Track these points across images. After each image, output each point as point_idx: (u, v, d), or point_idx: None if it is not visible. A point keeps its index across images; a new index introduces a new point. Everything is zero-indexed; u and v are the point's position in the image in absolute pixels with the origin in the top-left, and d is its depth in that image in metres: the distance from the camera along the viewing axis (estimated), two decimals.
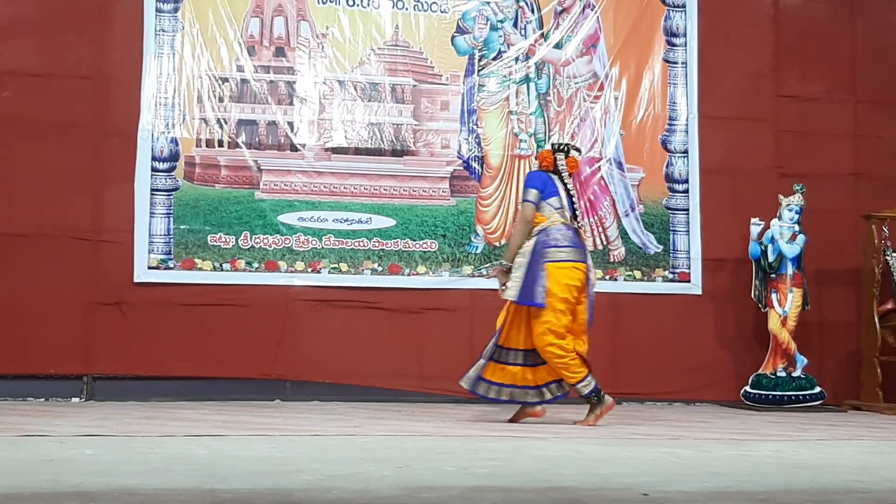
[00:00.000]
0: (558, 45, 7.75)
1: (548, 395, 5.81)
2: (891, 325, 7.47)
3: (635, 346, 7.59)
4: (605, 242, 7.65)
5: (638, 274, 7.68)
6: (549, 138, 7.60)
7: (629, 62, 7.85)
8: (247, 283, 7.15)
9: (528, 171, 7.43)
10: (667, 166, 7.80)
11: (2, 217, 6.87)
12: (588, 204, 7.63)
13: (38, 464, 3.64)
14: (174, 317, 7.03)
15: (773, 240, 7.35)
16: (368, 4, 7.51)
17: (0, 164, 6.92)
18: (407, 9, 7.56)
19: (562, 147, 5.91)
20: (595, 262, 7.46)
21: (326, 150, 7.37)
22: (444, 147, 7.52)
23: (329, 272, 7.25)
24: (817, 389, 7.33)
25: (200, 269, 7.11)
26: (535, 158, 6.06)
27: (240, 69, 7.31)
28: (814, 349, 7.68)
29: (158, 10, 7.19)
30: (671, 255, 7.75)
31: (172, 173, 7.12)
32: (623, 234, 7.69)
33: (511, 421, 5.84)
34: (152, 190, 7.07)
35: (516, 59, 7.68)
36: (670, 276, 7.74)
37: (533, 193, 5.73)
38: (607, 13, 7.86)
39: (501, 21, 7.68)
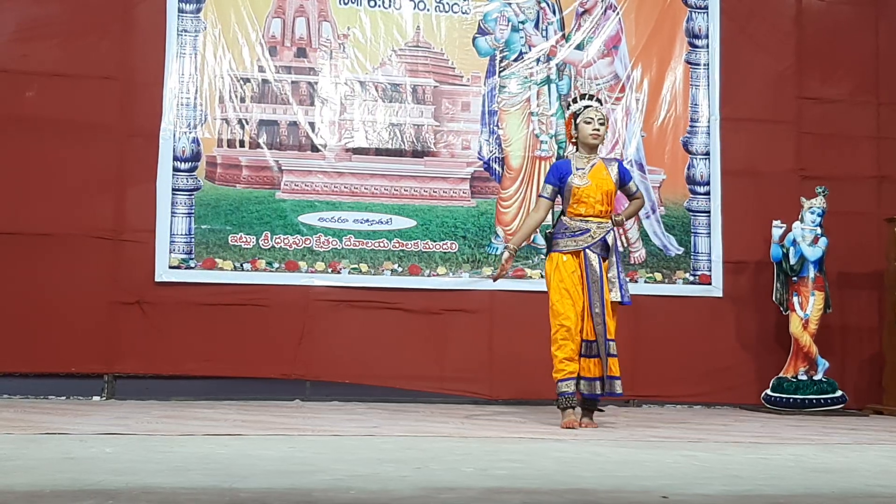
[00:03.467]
0: (580, 47, 7.74)
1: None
2: None
3: (655, 348, 7.56)
4: (625, 244, 7.62)
5: (658, 276, 7.66)
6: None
7: (651, 64, 7.83)
8: (267, 283, 7.16)
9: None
10: (688, 168, 7.77)
11: (25, 216, 6.91)
12: None
13: (59, 462, 3.66)
14: (195, 316, 7.06)
15: (794, 242, 7.31)
16: (390, 5, 7.52)
17: (23, 163, 6.96)
18: (428, 10, 7.56)
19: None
20: None
21: (347, 150, 7.38)
22: (465, 148, 7.52)
23: (349, 273, 7.26)
24: (839, 393, 7.29)
25: (221, 268, 7.13)
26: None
27: (261, 70, 7.33)
28: (835, 353, 7.64)
29: (181, 11, 7.22)
30: (692, 257, 7.73)
31: (194, 173, 7.14)
32: (644, 235, 7.67)
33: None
34: (174, 190, 7.10)
35: (537, 61, 7.67)
36: (691, 278, 7.71)
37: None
38: (629, 15, 7.83)
39: (523, 22, 7.67)
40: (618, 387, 5.59)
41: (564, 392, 5.56)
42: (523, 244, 6.13)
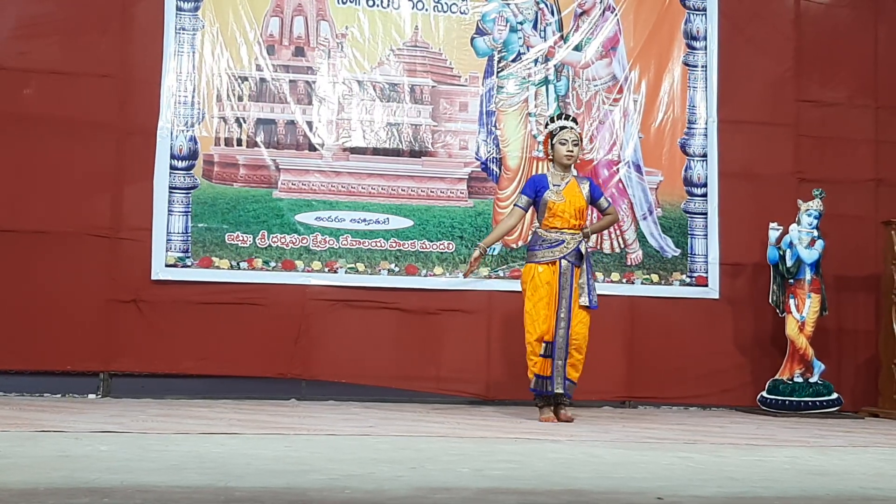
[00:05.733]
0: (578, 48, 7.74)
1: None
2: None
3: (652, 349, 7.57)
4: (622, 245, 7.62)
5: (655, 277, 7.66)
6: None
7: (649, 65, 7.82)
8: (264, 281, 7.16)
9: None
10: (685, 170, 7.77)
11: (22, 214, 6.91)
12: None
13: (54, 459, 3.66)
14: (191, 315, 7.05)
15: (791, 245, 7.31)
16: (388, 5, 7.52)
17: (21, 161, 6.96)
18: (427, 10, 7.56)
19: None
20: (612, 266, 7.54)
21: (345, 150, 7.38)
22: (463, 148, 7.52)
23: (346, 272, 7.26)
24: (834, 396, 7.29)
25: (218, 267, 7.13)
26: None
27: (259, 68, 7.32)
28: (831, 355, 7.64)
29: (179, 9, 7.21)
30: (689, 259, 7.73)
31: (191, 172, 7.14)
32: (641, 237, 7.67)
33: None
34: (171, 188, 7.09)
35: (535, 61, 7.67)
36: (688, 280, 7.71)
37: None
38: (627, 16, 7.83)
39: (521, 23, 7.67)
40: (570, 389, 6.08)
41: (555, 391, 6.02)
42: (492, 245, 6.54)
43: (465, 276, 6.45)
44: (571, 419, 6.04)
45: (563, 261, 6.02)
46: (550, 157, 6.25)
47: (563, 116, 6.31)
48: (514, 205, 6.32)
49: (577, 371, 6.03)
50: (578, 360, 6.02)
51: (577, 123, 6.28)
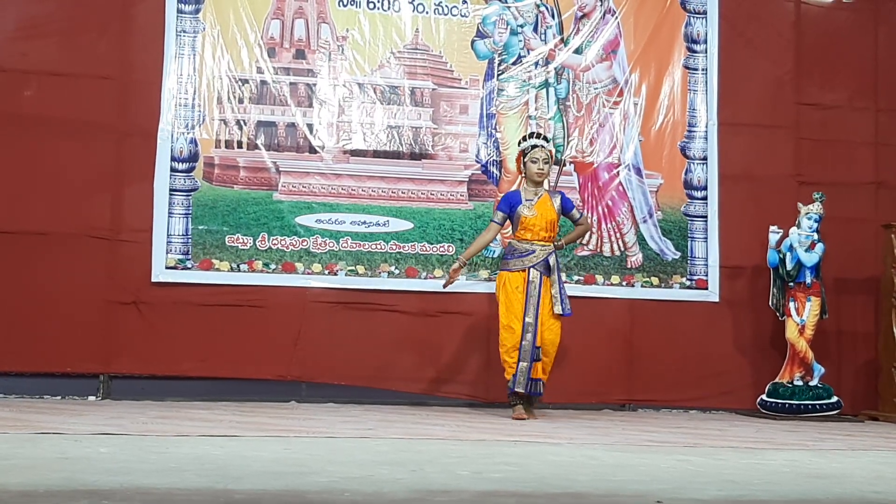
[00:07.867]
0: (578, 51, 7.74)
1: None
2: None
3: (651, 352, 7.57)
4: (622, 248, 7.63)
5: (655, 280, 7.66)
6: (568, 143, 7.61)
7: (649, 68, 7.83)
8: (264, 284, 7.15)
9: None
10: (685, 173, 7.78)
11: (21, 215, 6.90)
12: (606, 209, 7.62)
13: (53, 461, 3.66)
14: (191, 317, 7.05)
15: (791, 248, 7.31)
16: (389, 8, 7.52)
17: (20, 162, 6.95)
18: (427, 12, 7.57)
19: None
20: (612, 269, 7.56)
21: (345, 152, 7.38)
22: (463, 151, 7.53)
23: (346, 274, 7.26)
24: (834, 399, 7.30)
25: (218, 269, 7.13)
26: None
27: (260, 71, 7.33)
28: (831, 358, 7.64)
29: (180, 12, 7.21)
30: (689, 261, 7.73)
31: (191, 174, 7.14)
32: (641, 240, 7.67)
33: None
34: (171, 190, 7.09)
35: (536, 64, 7.68)
36: (688, 283, 7.71)
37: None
38: (628, 19, 7.84)
39: (521, 26, 7.67)
40: (540, 387, 6.37)
41: (515, 390, 6.33)
42: (471, 258, 6.76)
43: (444, 286, 6.62)
44: (536, 417, 6.42)
45: (532, 270, 6.33)
46: (523, 174, 6.55)
47: (535, 135, 6.56)
48: (491, 220, 6.63)
49: (545, 373, 6.40)
50: (546, 363, 6.36)
51: (548, 142, 6.57)
